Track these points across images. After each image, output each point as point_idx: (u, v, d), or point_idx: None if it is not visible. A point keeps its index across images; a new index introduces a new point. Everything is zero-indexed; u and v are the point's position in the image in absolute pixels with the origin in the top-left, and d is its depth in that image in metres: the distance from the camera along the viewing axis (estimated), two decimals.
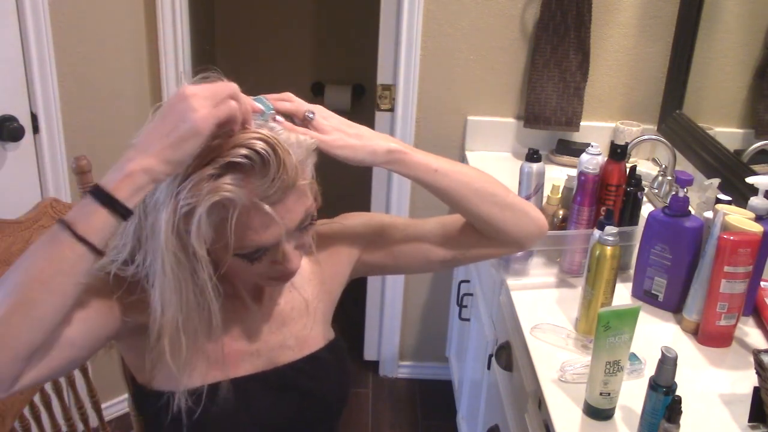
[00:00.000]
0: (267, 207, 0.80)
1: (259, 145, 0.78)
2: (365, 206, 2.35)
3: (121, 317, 0.87)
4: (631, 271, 1.41)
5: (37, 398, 1.23)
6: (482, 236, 1.05)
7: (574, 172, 1.44)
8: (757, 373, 1.00)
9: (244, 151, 0.77)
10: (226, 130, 0.79)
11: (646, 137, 1.97)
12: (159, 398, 0.93)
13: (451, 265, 1.11)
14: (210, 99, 0.75)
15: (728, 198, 1.29)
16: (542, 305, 1.35)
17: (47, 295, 0.73)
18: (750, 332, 1.27)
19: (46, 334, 0.74)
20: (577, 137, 2.17)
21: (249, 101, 0.83)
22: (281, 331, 1.01)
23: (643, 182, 1.49)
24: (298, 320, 1.03)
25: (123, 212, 0.74)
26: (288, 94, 0.93)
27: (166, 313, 0.83)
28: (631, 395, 1.05)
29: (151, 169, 0.74)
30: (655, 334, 1.26)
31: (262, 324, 1.00)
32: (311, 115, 0.92)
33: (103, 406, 1.44)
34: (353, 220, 1.10)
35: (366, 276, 1.13)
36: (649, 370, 1.04)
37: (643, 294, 1.36)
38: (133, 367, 0.98)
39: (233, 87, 0.79)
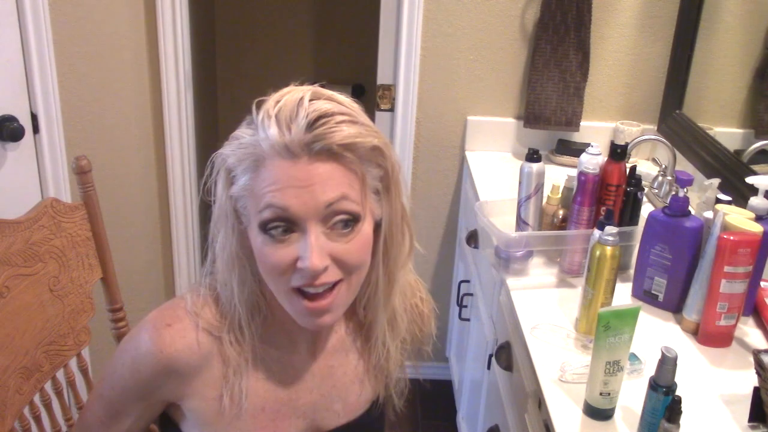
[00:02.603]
0: (288, 159, 0.77)
1: (293, 95, 0.80)
2: None
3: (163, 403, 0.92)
4: (631, 271, 1.41)
5: (37, 398, 1.23)
6: None
7: (574, 172, 1.44)
8: (757, 373, 1.00)
9: (274, 105, 0.79)
10: None
11: (646, 137, 1.97)
12: None
13: None
14: None
15: (728, 198, 1.29)
16: (542, 305, 1.34)
17: None
18: (750, 332, 1.27)
19: None
20: (577, 137, 2.17)
21: None
22: (330, 394, 0.98)
23: (643, 182, 1.49)
24: (350, 386, 0.99)
25: None
26: None
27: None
28: (631, 395, 1.05)
29: None
30: (655, 334, 1.26)
31: (311, 381, 0.96)
32: None
33: None
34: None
35: None
36: (649, 370, 1.04)
37: (643, 294, 1.36)
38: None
39: None
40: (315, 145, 0.77)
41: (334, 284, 0.83)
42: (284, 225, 0.79)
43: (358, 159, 0.80)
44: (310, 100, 0.78)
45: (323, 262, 0.79)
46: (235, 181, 0.82)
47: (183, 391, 0.89)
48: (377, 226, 0.86)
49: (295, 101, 0.78)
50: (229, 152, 0.82)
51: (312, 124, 0.77)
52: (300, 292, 0.82)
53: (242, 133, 0.82)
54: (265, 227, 0.79)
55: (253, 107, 0.82)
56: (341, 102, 0.81)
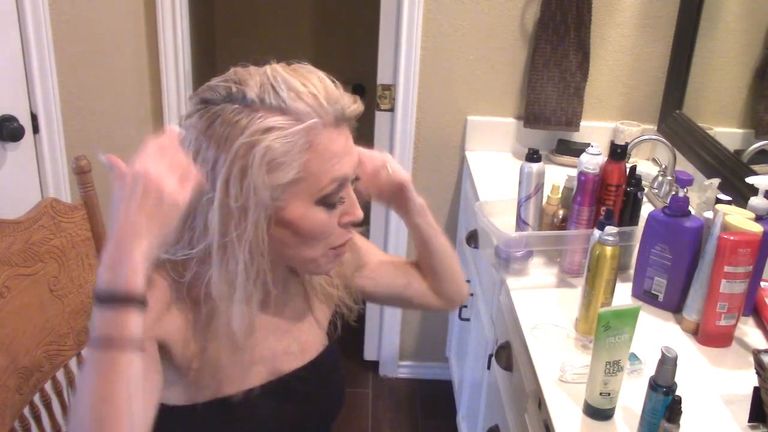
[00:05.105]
0: (335, 129, 0.83)
1: (318, 76, 0.85)
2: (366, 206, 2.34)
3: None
4: (631, 271, 1.41)
5: (37, 398, 1.23)
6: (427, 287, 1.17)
7: (574, 172, 1.44)
8: (757, 373, 1.00)
9: (311, 84, 0.83)
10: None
11: (646, 137, 1.97)
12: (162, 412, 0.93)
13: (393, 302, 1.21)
14: (171, 171, 0.74)
15: (728, 198, 1.29)
16: (542, 305, 1.34)
17: (119, 408, 0.69)
18: (750, 332, 1.27)
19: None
20: (577, 137, 2.17)
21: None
22: (285, 338, 1.00)
23: (643, 182, 1.49)
24: (299, 325, 1.02)
25: (144, 303, 0.73)
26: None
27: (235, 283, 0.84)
28: (631, 395, 1.05)
29: (150, 252, 0.73)
30: (655, 334, 1.26)
31: (268, 332, 0.99)
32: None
33: None
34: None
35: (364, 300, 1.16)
36: (649, 370, 1.04)
37: (643, 294, 1.36)
38: None
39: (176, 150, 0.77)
40: (357, 113, 0.85)
41: None
42: (340, 192, 0.86)
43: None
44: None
45: None
46: (282, 168, 0.80)
47: (163, 320, 0.86)
48: None
49: (323, 78, 0.85)
50: (271, 144, 0.79)
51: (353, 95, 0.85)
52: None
53: (276, 121, 0.80)
54: (326, 200, 0.85)
55: (272, 93, 0.81)
56: None
